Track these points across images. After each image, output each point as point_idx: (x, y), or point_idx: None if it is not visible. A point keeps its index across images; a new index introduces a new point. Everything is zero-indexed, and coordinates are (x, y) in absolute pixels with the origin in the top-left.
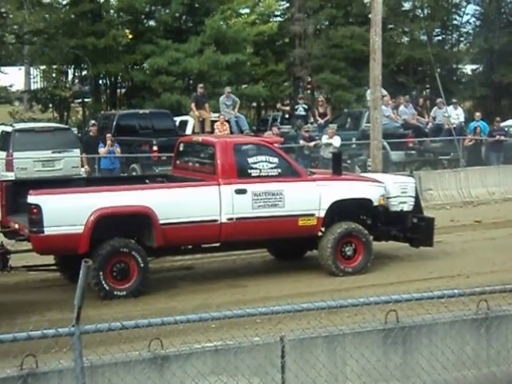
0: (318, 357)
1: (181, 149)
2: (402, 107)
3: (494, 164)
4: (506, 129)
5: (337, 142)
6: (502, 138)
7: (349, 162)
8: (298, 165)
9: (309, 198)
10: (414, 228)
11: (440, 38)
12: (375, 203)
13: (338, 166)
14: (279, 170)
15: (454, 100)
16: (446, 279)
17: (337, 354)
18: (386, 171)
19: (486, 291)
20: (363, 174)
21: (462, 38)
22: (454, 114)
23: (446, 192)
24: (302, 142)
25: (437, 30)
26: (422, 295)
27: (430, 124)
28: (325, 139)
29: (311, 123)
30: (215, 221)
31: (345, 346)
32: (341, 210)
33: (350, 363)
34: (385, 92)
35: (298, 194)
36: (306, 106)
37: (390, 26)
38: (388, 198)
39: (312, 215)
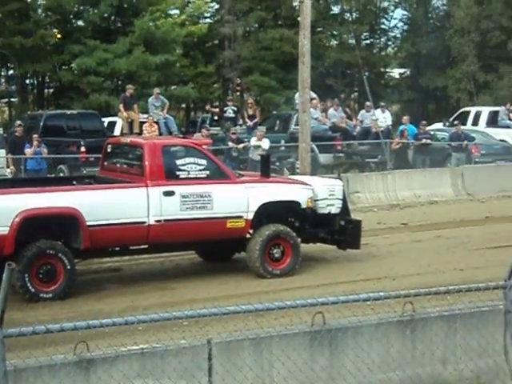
0: (244, 359)
1: (109, 150)
2: (330, 110)
3: (420, 167)
4: (432, 132)
5: (265, 144)
6: (428, 141)
7: (277, 164)
8: (226, 167)
9: (237, 200)
10: (341, 230)
11: (368, 41)
12: (303, 206)
13: (266, 168)
14: (208, 172)
15: (382, 103)
16: (372, 281)
17: (264, 357)
18: (314, 174)
19: (410, 294)
20: (291, 177)
21: (389, 42)
22: (382, 118)
23: (373, 195)
24: (230, 144)
25: (365, 33)
26: (348, 298)
27: (358, 127)
28: (253, 141)
29: (240, 125)
30: (143, 223)
31: (272, 349)
32: (269, 213)
33: (276, 366)
34: (314, 95)
35: (226, 196)
36: (235, 108)
37: (319, 29)
38: (316, 200)
39: (240, 217)
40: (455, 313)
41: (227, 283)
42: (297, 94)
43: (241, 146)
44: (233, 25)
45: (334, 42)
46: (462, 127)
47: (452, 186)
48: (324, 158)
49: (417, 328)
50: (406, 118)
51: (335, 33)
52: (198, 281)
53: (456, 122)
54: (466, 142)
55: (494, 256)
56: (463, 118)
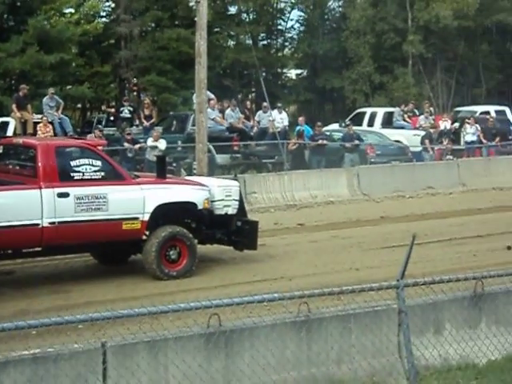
0: (139, 363)
1: (1, 151)
2: (228, 110)
3: (317, 168)
4: (329, 133)
5: (162, 144)
6: (325, 142)
7: (174, 165)
8: (121, 168)
9: (133, 201)
10: (238, 231)
11: (265, 42)
12: (200, 207)
13: (162, 169)
14: (103, 173)
15: (279, 104)
16: (269, 282)
17: (159, 360)
18: (211, 174)
19: (305, 295)
20: (188, 178)
21: (286, 43)
22: (279, 118)
23: (270, 195)
24: (126, 145)
25: (262, 34)
26: (242, 300)
27: (255, 128)
28: (150, 142)
29: (136, 125)
30: (36, 225)
31: (167, 352)
32: (165, 214)
33: (171, 369)
34: (211, 95)
35: (121, 197)
36: (131, 108)
37: (216, 30)
38: (212, 201)
39: (136, 219)
40: (349, 313)
41: (123, 285)
42: (194, 95)
43: (136, 146)
44: (129, 24)
45: (231, 43)
46: (358, 128)
47: (348, 187)
48: (221, 159)
49: (312, 328)
50: (301, 119)
51: (232, 33)
52: (94, 283)
53: (348, 123)
54: (356, 142)
55: (388, 256)
56: (359, 119)
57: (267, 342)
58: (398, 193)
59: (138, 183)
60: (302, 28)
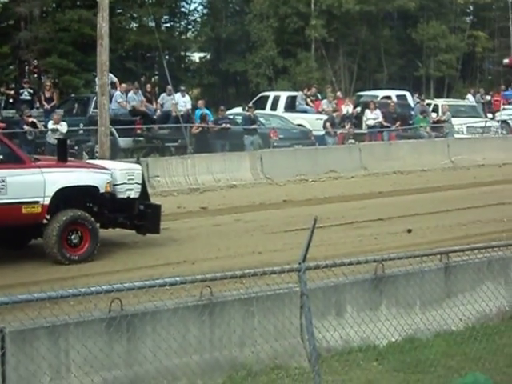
0: (38, 349)
1: None
2: (130, 93)
3: (220, 151)
4: (232, 116)
5: (63, 127)
6: (228, 126)
7: (76, 148)
8: (21, 151)
9: (33, 185)
10: (140, 215)
11: (168, 25)
12: (101, 190)
13: (63, 152)
14: (1, 157)
15: (182, 87)
16: (172, 266)
17: (59, 346)
18: (114, 158)
19: (207, 278)
20: (90, 161)
21: (190, 26)
22: (182, 102)
23: (173, 179)
24: (25, 128)
25: (165, 16)
26: (144, 283)
27: (158, 111)
28: (51, 125)
29: (37, 108)
30: None
31: (67, 337)
32: (66, 198)
33: (72, 354)
34: (114, 78)
35: (21, 180)
36: (32, 91)
37: (119, 11)
38: (115, 185)
39: (36, 203)
40: (252, 296)
41: (23, 270)
42: (97, 77)
43: (38, 130)
44: (29, 4)
45: (133, 25)
46: (261, 112)
47: (251, 170)
48: (124, 142)
49: (214, 312)
50: (201, 102)
51: (135, 15)
52: None
53: (249, 106)
54: (255, 126)
55: (291, 239)
56: (262, 103)
57: (169, 326)
58: (301, 176)
59: (39, 166)
60: (205, 11)
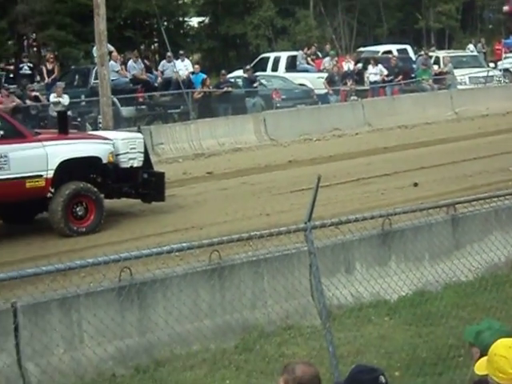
0: (50, 321)
1: None
2: (130, 62)
3: (223, 115)
4: (233, 80)
5: (65, 100)
6: (229, 89)
7: (79, 119)
8: (21, 126)
9: (35, 159)
10: (144, 184)
11: None
12: (104, 161)
13: (64, 125)
14: (2, 132)
15: (181, 52)
16: (180, 232)
17: (71, 317)
18: (117, 127)
19: (214, 242)
20: (91, 132)
21: None
22: (182, 66)
23: (177, 145)
24: (28, 102)
25: None
26: (151, 251)
27: (159, 78)
28: (53, 98)
29: (38, 82)
30: None
31: (79, 308)
32: (69, 170)
33: (84, 325)
34: (111, 48)
35: (23, 155)
36: (31, 65)
37: None
38: (117, 155)
39: (40, 176)
40: (260, 258)
41: (32, 244)
42: (94, 48)
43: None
44: None
45: None
46: (263, 73)
47: (255, 133)
48: (126, 111)
49: (223, 276)
50: (196, 67)
51: None
52: (1, 244)
53: (248, 68)
54: (256, 88)
55: (297, 199)
56: (263, 64)
57: (179, 292)
58: (305, 136)
59: (40, 140)
60: None
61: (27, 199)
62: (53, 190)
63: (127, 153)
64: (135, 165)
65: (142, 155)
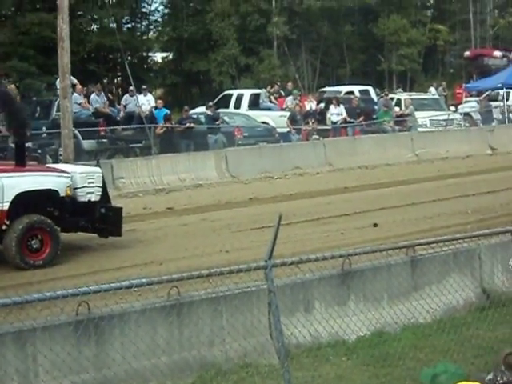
0: (5, 355)
1: None
2: (93, 95)
3: (185, 151)
4: (196, 116)
5: None
6: (192, 125)
7: (40, 151)
8: None
9: None
10: (101, 218)
11: (130, 25)
12: (62, 194)
13: (21, 156)
14: None
15: (144, 86)
16: (139, 267)
17: (27, 351)
18: (78, 160)
19: (173, 278)
20: (49, 165)
21: (151, 26)
22: (145, 100)
23: (138, 180)
24: None
25: (126, 17)
26: (110, 286)
27: (122, 112)
28: None
29: None
30: None
31: (35, 342)
32: (26, 202)
33: (40, 359)
34: (74, 80)
35: None
36: None
37: (79, 13)
38: (75, 188)
39: None
40: (219, 295)
41: None
42: (58, 80)
43: None
44: None
45: (94, 27)
46: (225, 110)
47: (216, 169)
48: (88, 144)
49: (182, 312)
50: (159, 102)
51: (96, 17)
52: None
53: (210, 104)
54: (218, 125)
55: (258, 237)
56: (226, 101)
57: (137, 327)
58: (267, 174)
59: None
60: (166, 11)
61: None
62: (8, 223)
63: (85, 187)
64: (93, 199)
65: (100, 189)
